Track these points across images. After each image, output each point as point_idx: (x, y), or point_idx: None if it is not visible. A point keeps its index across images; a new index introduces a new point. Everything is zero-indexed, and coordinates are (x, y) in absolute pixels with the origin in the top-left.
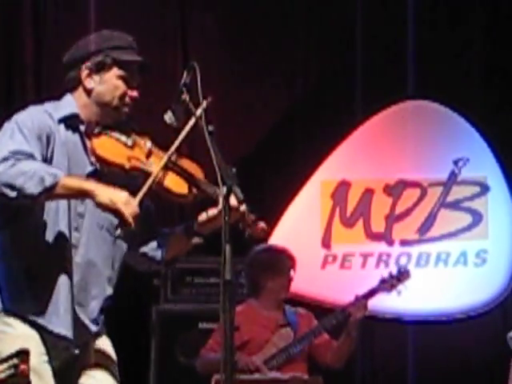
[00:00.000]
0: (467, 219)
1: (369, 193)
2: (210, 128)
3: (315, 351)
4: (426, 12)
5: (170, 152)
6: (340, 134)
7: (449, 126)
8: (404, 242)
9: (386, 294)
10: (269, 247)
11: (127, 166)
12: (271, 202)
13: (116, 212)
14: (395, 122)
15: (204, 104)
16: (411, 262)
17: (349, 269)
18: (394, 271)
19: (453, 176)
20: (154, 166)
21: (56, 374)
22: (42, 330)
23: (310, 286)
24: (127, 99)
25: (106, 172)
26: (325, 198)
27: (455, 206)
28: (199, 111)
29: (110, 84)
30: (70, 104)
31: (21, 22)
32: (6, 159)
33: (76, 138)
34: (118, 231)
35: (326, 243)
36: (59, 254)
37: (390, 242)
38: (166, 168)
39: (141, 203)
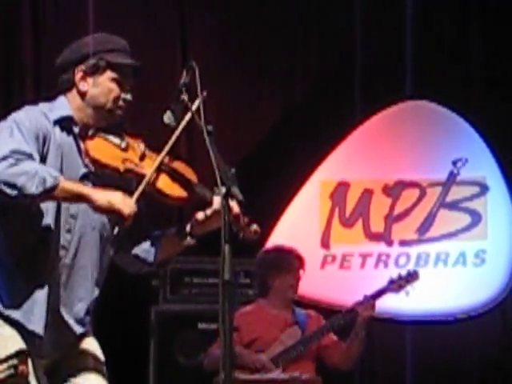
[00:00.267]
0: (466, 219)
1: (368, 193)
2: (209, 128)
3: (324, 352)
4: (425, 12)
5: (162, 154)
6: (339, 135)
7: (448, 126)
8: (403, 243)
9: (393, 295)
10: (277, 247)
11: (121, 168)
12: (270, 202)
13: (115, 212)
14: (394, 123)
15: (196, 103)
16: (410, 263)
17: (348, 269)
18: (403, 272)
19: (452, 176)
20: (148, 168)
21: (44, 376)
22: (20, 328)
23: (309, 286)
24: (121, 102)
25: (99, 174)
26: (324, 198)
27: (454, 206)
28: (194, 107)
29: (103, 87)
30: (64, 106)
31: (20, 22)
32: (5, 158)
33: (70, 139)
34: (116, 229)
35: (325, 243)
36: (45, 254)
37: (390, 243)
38: (160, 170)
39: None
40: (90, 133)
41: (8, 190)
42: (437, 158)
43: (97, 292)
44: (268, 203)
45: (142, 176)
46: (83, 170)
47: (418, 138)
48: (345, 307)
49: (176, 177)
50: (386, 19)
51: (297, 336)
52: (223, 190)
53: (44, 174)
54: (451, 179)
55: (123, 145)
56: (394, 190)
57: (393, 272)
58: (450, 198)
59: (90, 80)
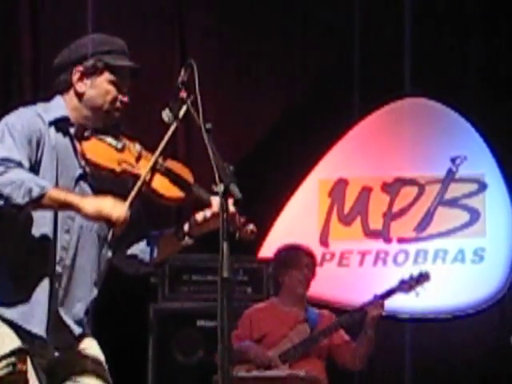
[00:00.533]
0: (465, 217)
1: (366, 191)
2: (207, 126)
3: (335, 352)
4: (424, 9)
5: (156, 154)
6: (337, 132)
7: (446, 123)
8: (402, 240)
9: (403, 295)
10: (287, 245)
11: (117, 169)
12: (269, 200)
13: (104, 219)
14: (393, 120)
15: (188, 102)
16: (409, 260)
17: (347, 266)
18: (415, 273)
19: (450, 174)
20: (144, 169)
21: (44, 376)
22: (18, 329)
23: None
24: (118, 104)
25: (95, 175)
26: (322, 195)
27: (453, 203)
28: (189, 102)
29: (101, 88)
30: (60, 106)
31: (19, 21)
32: None
33: (66, 140)
34: (109, 236)
35: (324, 241)
36: (44, 255)
37: (388, 240)
38: (155, 170)
39: (131, 206)
40: (86, 134)
41: None
42: (435, 156)
43: (95, 292)
44: (267, 201)
45: (138, 177)
46: (79, 171)
47: (416, 135)
48: (343, 305)
49: (171, 177)
50: (385, 16)
51: (305, 333)
52: (222, 187)
53: (30, 184)
54: (450, 176)
55: (119, 146)
56: (392, 188)
57: (391, 269)
58: (448, 196)
59: (87, 81)
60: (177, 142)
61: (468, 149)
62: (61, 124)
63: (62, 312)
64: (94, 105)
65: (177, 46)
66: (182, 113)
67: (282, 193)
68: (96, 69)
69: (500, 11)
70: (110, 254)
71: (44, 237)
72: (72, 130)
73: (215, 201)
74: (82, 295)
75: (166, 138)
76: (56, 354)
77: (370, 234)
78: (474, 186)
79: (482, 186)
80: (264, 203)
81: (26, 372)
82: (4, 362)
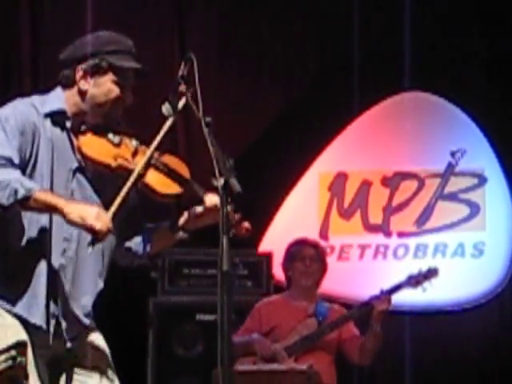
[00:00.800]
0: (465, 211)
1: (366, 184)
2: (207, 119)
3: (343, 346)
4: (424, 2)
5: (151, 149)
6: (337, 126)
7: (446, 117)
8: (402, 234)
9: (411, 290)
10: (294, 239)
11: (113, 164)
12: (269, 193)
13: (87, 228)
14: (392, 114)
15: (188, 95)
16: (409, 254)
17: (347, 260)
18: (424, 269)
19: (450, 167)
20: (140, 164)
21: (45, 367)
22: (23, 322)
23: None
24: (121, 104)
25: (91, 170)
26: (322, 189)
27: (453, 197)
28: (188, 95)
29: (104, 88)
30: (58, 99)
31: (18, 21)
32: None
33: (62, 133)
34: (90, 248)
35: (324, 235)
36: (47, 246)
37: (388, 234)
38: (150, 165)
39: (123, 203)
40: (83, 128)
41: None
42: (435, 150)
43: (101, 285)
44: (267, 195)
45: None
46: (75, 165)
47: (416, 129)
48: (342, 298)
49: (167, 172)
50: (384, 13)
51: (313, 327)
52: (222, 181)
53: (16, 185)
54: (449, 170)
55: (116, 140)
56: (392, 182)
57: (391, 263)
58: (448, 190)
59: (90, 80)
60: (177, 137)
61: (468, 142)
62: (57, 117)
63: (71, 304)
64: (96, 103)
65: (177, 46)
66: (180, 105)
67: (281, 187)
68: (100, 68)
69: (502, 3)
70: (114, 242)
71: (46, 228)
72: (68, 124)
73: (208, 197)
74: (89, 287)
75: (162, 132)
76: (62, 345)
77: (370, 227)
78: (473, 180)
79: (482, 180)
80: (264, 197)
81: (25, 366)
82: (3, 357)
